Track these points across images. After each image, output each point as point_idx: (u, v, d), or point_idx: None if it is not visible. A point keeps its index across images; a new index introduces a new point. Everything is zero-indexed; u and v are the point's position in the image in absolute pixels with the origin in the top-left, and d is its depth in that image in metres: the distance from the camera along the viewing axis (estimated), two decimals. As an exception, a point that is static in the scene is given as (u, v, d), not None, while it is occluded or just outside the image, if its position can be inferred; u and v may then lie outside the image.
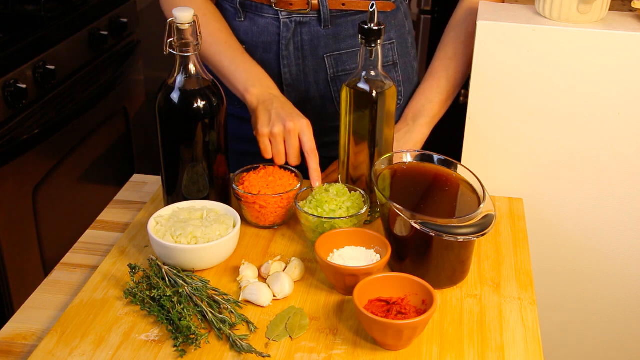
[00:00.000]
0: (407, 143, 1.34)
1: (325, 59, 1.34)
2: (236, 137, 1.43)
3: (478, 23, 1.23)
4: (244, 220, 1.20)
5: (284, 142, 1.21)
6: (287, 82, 1.36)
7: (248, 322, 0.99)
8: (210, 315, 0.99)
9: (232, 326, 0.99)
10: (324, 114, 1.38)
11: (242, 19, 1.35)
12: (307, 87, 1.36)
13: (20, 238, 1.81)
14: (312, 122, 1.41)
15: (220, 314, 1.00)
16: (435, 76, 1.37)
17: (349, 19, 1.32)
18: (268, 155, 1.22)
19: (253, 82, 1.27)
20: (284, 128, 1.20)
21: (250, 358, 0.94)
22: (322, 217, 1.11)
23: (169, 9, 1.35)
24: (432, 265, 1.07)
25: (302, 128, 1.20)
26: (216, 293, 1.04)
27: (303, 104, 1.38)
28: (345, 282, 1.03)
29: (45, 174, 1.87)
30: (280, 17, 1.32)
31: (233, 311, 1.00)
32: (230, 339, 0.96)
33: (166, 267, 1.06)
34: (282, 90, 1.37)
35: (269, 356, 0.94)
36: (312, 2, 1.30)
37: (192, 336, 0.95)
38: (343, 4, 1.31)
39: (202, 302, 1.01)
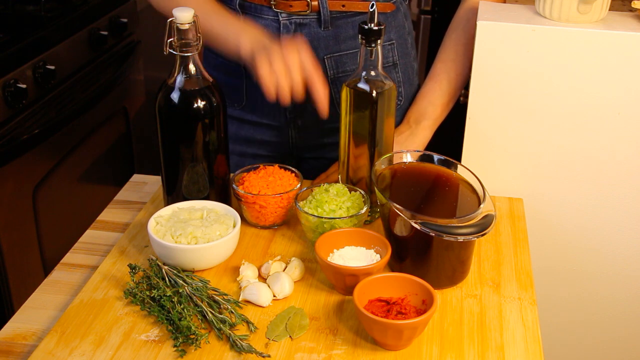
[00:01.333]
0: (409, 146, 1.34)
1: (325, 61, 1.34)
2: (236, 138, 1.43)
3: (478, 23, 1.23)
4: (244, 220, 1.20)
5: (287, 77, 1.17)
6: None
7: (248, 322, 0.99)
8: (210, 315, 0.99)
9: (232, 326, 0.99)
10: None
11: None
12: (307, 89, 1.36)
13: (20, 238, 1.81)
14: (313, 124, 1.41)
15: (220, 314, 1.00)
16: (437, 78, 1.37)
17: (349, 20, 1.32)
18: (272, 97, 1.17)
19: (243, 35, 1.23)
20: (282, 58, 1.15)
21: (250, 358, 0.94)
22: (322, 217, 1.11)
23: (164, 4, 1.33)
24: (432, 265, 1.07)
25: (299, 47, 1.17)
26: (216, 293, 1.04)
27: (303, 106, 1.38)
28: (345, 282, 1.03)
29: (45, 174, 1.87)
30: (280, 19, 1.32)
31: (233, 311, 1.00)
32: (230, 339, 0.96)
33: (166, 267, 1.06)
34: None
35: (269, 356, 0.94)
36: (312, 3, 1.30)
37: (192, 336, 0.95)
38: (343, 5, 1.30)
39: (202, 302, 1.01)
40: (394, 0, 1.37)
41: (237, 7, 1.33)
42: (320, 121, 1.39)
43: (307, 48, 1.18)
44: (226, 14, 1.29)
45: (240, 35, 1.23)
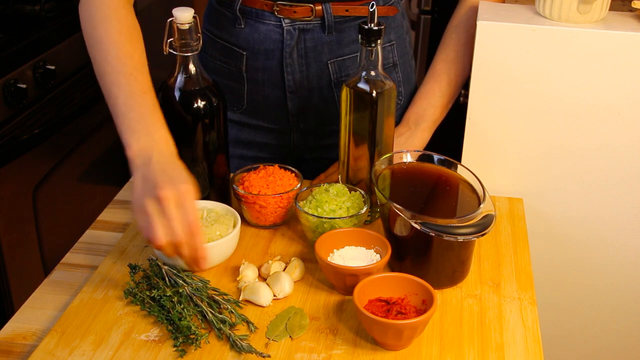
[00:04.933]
0: (409, 149, 1.33)
1: (329, 65, 1.34)
2: (237, 141, 1.43)
3: (478, 23, 1.23)
4: (244, 220, 1.20)
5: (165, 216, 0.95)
6: (290, 89, 1.35)
7: (248, 322, 0.99)
8: (210, 315, 0.99)
9: (232, 326, 0.99)
10: (326, 118, 1.38)
11: (242, 26, 1.33)
12: (310, 93, 1.36)
13: (20, 238, 1.81)
14: (315, 125, 1.41)
15: (220, 313, 1.00)
16: (437, 79, 1.36)
17: (352, 24, 1.32)
18: (147, 236, 0.96)
19: (139, 135, 1.01)
20: (155, 199, 0.94)
21: (250, 358, 0.94)
22: (322, 217, 1.11)
23: (90, 24, 1.13)
24: (432, 265, 1.07)
25: (179, 195, 0.94)
26: (216, 293, 1.04)
27: (305, 109, 1.38)
28: (345, 282, 1.03)
29: (45, 174, 1.87)
30: (283, 25, 1.31)
31: (233, 311, 1.00)
32: (231, 339, 0.96)
33: (166, 267, 1.06)
34: (284, 97, 1.37)
35: (269, 356, 0.94)
36: (316, 8, 1.29)
37: (192, 336, 0.95)
38: (347, 10, 1.30)
39: (202, 302, 1.01)
40: (393, 1, 1.37)
41: (238, 12, 1.32)
42: (323, 123, 1.39)
43: (189, 201, 0.95)
44: (142, 97, 1.04)
45: (134, 137, 1.01)
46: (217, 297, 1.02)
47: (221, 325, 0.98)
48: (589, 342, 1.47)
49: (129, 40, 1.09)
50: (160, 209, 0.94)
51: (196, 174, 1.16)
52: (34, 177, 1.83)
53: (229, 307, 1.01)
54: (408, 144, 1.34)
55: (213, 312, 1.00)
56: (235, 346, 0.95)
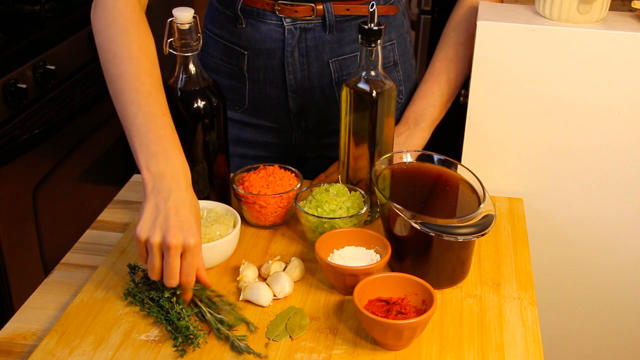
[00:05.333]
0: (408, 148, 1.34)
1: (330, 64, 1.34)
2: (238, 141, 1.43)
3: (478, 23, 1.23)
4: (244, 220, 1.20)
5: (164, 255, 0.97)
6: (292, 88, 1.35)
7: (247, 323, 0.99)
8: (208, 315, 0.99)
9: (231, 327, 0.98)
10: (327, 117, 1.38)
11: (243, 25, 1.33)
12: (311, 92, 1.36)
13: (20, 238, 1.81)
14: (316, 124, 1.41)
15: (219, 314, 1.00)
16: (436, 78, 1.36)
17: (352, 23, 1.32)
18: (144, 261, 0.99)
19: (157, 160, 1.00)
20: (163, 241, 0.96)
21: (249, 358, 0.94)
22: (322, 217, 1.11)
23: (107, 37, 1.07)
24: (432, 265, 1.07)
25: (187, 248, 0.96)
26: (213, 294, 1.03)
27: (307, 108, 1.38)
28: (345, 282, 1.03)
29: (45, 174, 1.87)
30: (285, 24, 1.31)
31: (232, 312, 1.00)
32: (230, 340, 0.96)
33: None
34: (285, 96, 1.37)
35: (266, 357, 0.94)
36: (317, 8, 1.29)
37: (191, 336, 0.95)
38: (347, 9, 1.30)
39: (200, 302, 1.01)
40: (394, 0, 1.37)
41: (239, 11, 1.32)
42: (324, 123, 1.39)
43: (195, 255, 0.97)
44: (161, 119, 1.03)
45: (153, 160, 1.00)
46: (214, 299, 1.02)
47: (219, 326, 0.98)
48: (589, 342, 1.47)
49: (149, 59, 1.06)
50: (165, 253, 0.96)
51: (196, 174, 1.16)
52: (34, 177, 1.83)
53: (227, 308, 1.01)
54: (407, 143, 1.34)
55: (211, 312, 1.00)
56: (234, 347, 0.95)
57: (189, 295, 1.01)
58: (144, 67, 1.04)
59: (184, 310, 0.99)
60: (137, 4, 1.09)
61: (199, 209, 1.01)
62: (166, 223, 0.96)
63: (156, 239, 0.95)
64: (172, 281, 0.97)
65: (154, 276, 0.98)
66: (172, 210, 0.97)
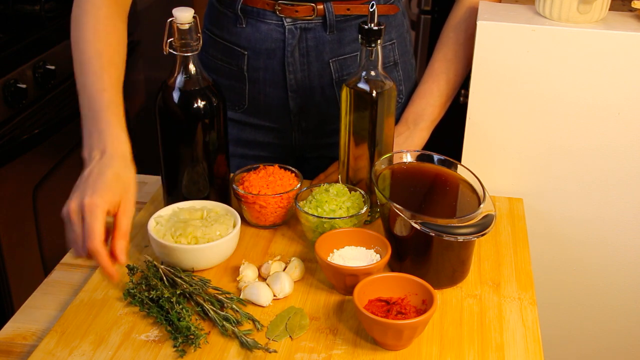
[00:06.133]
0: (408, 148, 1.34)
1: (331, 64, 1.34)
2: (238, 141, 1.43)
3: (478, 23, 1.23)
4: (244, 220, 1.20)
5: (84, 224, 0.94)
6: (292, 87, 1.35)
7: (254, 320, 0.99)
8: (212, 313, 0.99)
9: (236, 323, 0.99)
10: (327, 117, 1.38)
11: (243, 25, 1.33)
12: (312, 92, 1.36)
13: (20, 238, 1.81)
14: (316, 124, 1.41)
15: (223, 311, 1.00)
16: (435, 78, 1.36)
17: (352, 23, 1.32)
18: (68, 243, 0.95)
19: (91, 138, 1.02)
20: (80, 204, 0.93)
21: (251, 356, 0.94)
22: (322, 217, 1.11)
23: (72, 26, 1.12)
24: (432, 265, 1.07)
25: (83, 209, 0.93)
26: (219, 292, 1.04)
27: (307, 108, 1.38)
28: (345, 282, 1.03)
29: (45, 174, 1.87)
30: (285, 24, 1.31)
31: (238, 310, 1.00)
32: (237, 336, 0.96)
33: (163, 267, 1.06)
34: (286, 96, 1.37)
35: (275, 351, 0.94)
36: (318, 7, 1.29)
37: (191, 336, 0.95)
38: (348, 9, 1.30)
39: (204, 301, 1.01)
40: (394, 0, 1.37)
41: (239, 11, 1.32)
42: (324, 122, 1.39)
43: (97, 215, 0.93)
44: (100, 95, 1.03)
45: (89, 136, 1.02)
46: (219, 296, 1.02)
47: (224, 323, 0.98)
48: (589, 342, 1.47)
49: (103, 39, 1.08)
50: (84, 213, 0.93)
51: (196, 174, 1.17)
52: (34, 177, 1.84)
53: (233, 305, 1.01)
54: (407, 143, 1.34)
55: (215, 309, 1.00)
56: (242, 344, 0.95)
57: (110, 272, 0.93)
58: (94, 49, 1.07)
59: (184, 310, 0.99)
60: None
61: (126, 174, 0.98)
62: (78, 189, 0.95)
63: (74, 205, 0.93)
64: (75, 246, 0.93)
65: (76, 250, 0.93)
66: (86, 177, 0.96)
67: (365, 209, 1.14)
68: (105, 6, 1.13)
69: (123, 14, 1.16)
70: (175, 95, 1.12)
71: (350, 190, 1.18)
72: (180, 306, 1.00)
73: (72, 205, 0.93)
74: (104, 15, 1.11)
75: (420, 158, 1.17)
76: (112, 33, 1.10)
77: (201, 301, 1.01)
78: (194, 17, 1.09)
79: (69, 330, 0.99)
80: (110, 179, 0.96)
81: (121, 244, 0.95)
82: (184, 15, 1.08)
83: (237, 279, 1.08)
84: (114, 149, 1.00)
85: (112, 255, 0.94)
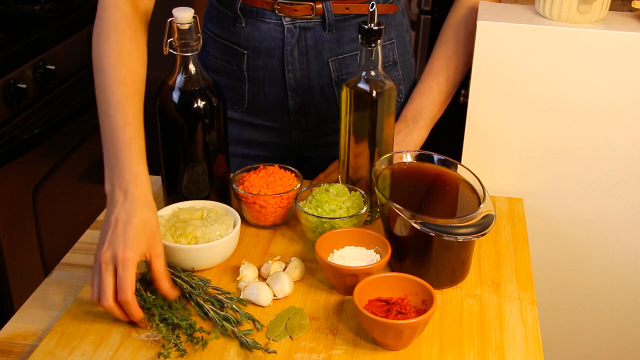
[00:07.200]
0: (407, 146, 1.34)
1: (330, 63, 1.34)
2: (238, 140, 1.43)
3: (478, 23, 1.23)
4: (244, 220, 1.20)
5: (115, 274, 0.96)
6: (292, 87, 1.35)
7: (254, 320, 0.99)
8: (212, 313, 0.99)
9: (236, 323, 0.98)
10: (327, 116, 1.38)
11: (243, 25, 1.33)
12: (311, 91, 1.36)
13: (20, 238, 1.81)
14: (316, 123, 1.41)
15: (222, 311, 1.00)
16: (434, 76, 1.37)
17: (352, 22, 1.32)
18: (94, 296, 0.97)
19: (112, 172, 1.01)
20: (113, 256, 0.95)
21: (251, 356, 0.94)
22: (322, 217, 1.11)
23: (95, 45, 1.09)
24: (432, 265, 1.07)
25: (117, 262, 0.95)
26: (219, 292, 1.04)
27: (306, 107, 1.38)
28: (345, 282, 1.03)
29: (45, 174, 1.87)
30: (284, 23, 1.31)
31: (238, 310, 1.00)
32: (237, 336, 0.96)
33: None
34: (285, 96, 1.37)
35: (275, 352, 0.94)
36: (317, 7, 1.29)
37: (191, 336, 0.95)
38: (347, 8, 1.30)
39: (204, 301, 1.01)
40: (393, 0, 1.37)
41: (238, 11, 1.32)
42: (324, 122, 1.39)
43: (128, 268, 0.95)
44: (123, 129, 1.02)
45: (110, 171, 1.01)
46: (219, 297, 1.02)
47: (224, 323, 0.98)
48: (589, 342, 1.47)
49: (126, 66, 1.05)
50: (117, 265, 0.95)
51: (196, 174, 1.17)
52: (34, 177, 1.84)
53: (233, 305, 1.01)
54: (406, 142, 1.34)
55: (215, 309, 1.00)
56: (242, 344, 0.95)
57: (138, 320, 0.97)
58: (118, 76, 1.04)
59: (184, 310, 0.99)
60: (129, 10, 1.09)
61: (150, 219, 0.99)
62: (108, 237, 0.96)
63: (108, 255, 0.96)
64: (104, 300, 0.95)
65: (105, 301, 0.95)
66: (114, 224, 0.97)
67: (365, 209, 1.14)
68: (129, 28, 1.08)
69: (144, 28, 1.13)
70: (175, 95, 1.12)
71: (350, 190, 1.18)
72: (181, 306, 1.00)
73: (105, 257, 0.95)
74: (128, 38, 1.07)
75: (420, 158, 1.17)
76: (136, 58, 1.08)
77: (201, 301, 1.01)
78: (194, 17, 1.09)
79: (69, 330, 0.99)
80: (138, 227, 0.97)
81: (165, 284, 0.99)
82: (184, 15, 1.08)
83: (237, 279, 1.08)
84: (137, 190, 0.99)
85: (164, 294, 0.99)
